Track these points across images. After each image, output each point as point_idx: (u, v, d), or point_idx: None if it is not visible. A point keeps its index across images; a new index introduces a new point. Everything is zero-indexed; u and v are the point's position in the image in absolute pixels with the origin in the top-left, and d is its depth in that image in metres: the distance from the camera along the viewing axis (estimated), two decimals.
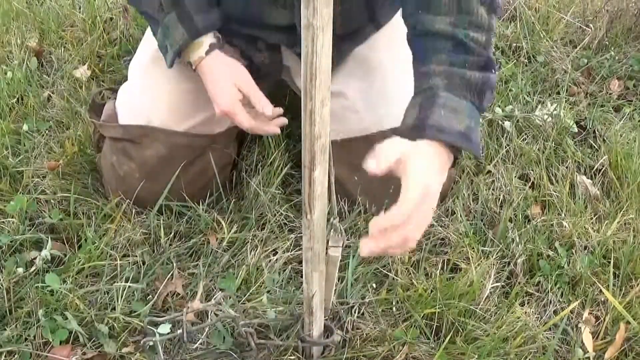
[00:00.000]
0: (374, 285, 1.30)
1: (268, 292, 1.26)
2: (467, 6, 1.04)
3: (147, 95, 1.34)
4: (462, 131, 0.97)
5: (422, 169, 0.91)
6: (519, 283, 1.34)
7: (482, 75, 1.02)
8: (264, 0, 1.24)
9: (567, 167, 1.61)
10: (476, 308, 1.26)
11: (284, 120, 1.31)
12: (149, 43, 1.38)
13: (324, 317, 1.10)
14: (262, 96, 1.24)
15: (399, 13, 1.18)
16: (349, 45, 1.35)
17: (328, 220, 0.92)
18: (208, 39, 1.25)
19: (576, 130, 1.75)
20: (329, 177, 0.85)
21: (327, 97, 0.72)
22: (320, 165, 0.78)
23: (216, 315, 1.17)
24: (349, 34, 1.33)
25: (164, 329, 1.15)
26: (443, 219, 1.45)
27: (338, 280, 1.26)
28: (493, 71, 1.04)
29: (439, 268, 1.34)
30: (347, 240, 1.37)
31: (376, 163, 0.92)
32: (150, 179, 1.34)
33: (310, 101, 0.70)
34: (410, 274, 1.32)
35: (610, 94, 1.94)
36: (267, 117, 1.26)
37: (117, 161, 1.36)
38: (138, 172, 1.34)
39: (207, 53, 1.24)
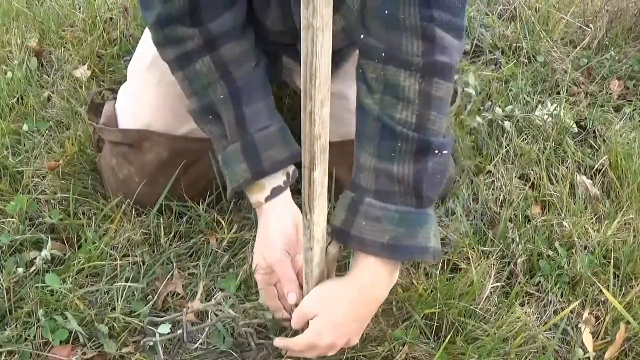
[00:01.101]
0: None
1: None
2: (394, 80, 0.92)
3: (146, 98, 1.34)
4: (385, 242, 0.93)
5: (319, 327, 1.01)
6: (519, 283, 1.34)
7: (415, 167, 0.92)
8: (261, 25, 1.22)
9: (567, 167, 1.61)
10: (476, 308, 1.26)
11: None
12: (148, 43, 1.37)
13: None
14: (289, 280, 1.05)
15: None
16: (348, 48, 1.35)
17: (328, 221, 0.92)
18: (273, 181, 1.08)
19: (576, 130, 1.75)
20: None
21: (327, 97, 0.72)
22: (320, 166, 0.78)
23: (216, 315, 1.17)
24: None
25: (164, 329, 1.15)
26: (443, 219, 1.44)
27: None
28: (436, 152, 0.92)
29: (439, 268, 1.34)
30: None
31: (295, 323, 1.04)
32: (150, 182, 1.34)
33: (310, 101, 0.70)
34: (410, 274, 1.32)
35: (610, 94, 1.94)
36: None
37: (116, 164, 1.36)
38: (137, 176, 1.34)
39: (266, 200, 1.07)
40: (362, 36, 0.95)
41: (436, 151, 0.92)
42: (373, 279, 0.97)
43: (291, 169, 1.11)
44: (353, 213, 0.95)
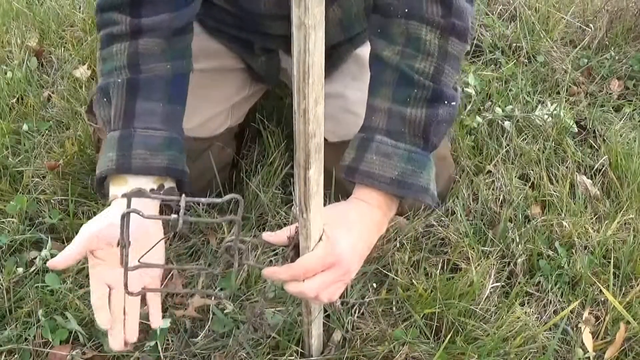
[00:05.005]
0: (374, 285, 1.30)
1: (267, 291, 1.26)
2: (416, 34, 0.98)
3: None
4: (393, 178, 0.95)
5: (341, 238, 0.91)
6: (519, 283, 1.34)
7: (427, 112, 0.97)
8: (260, 14, 1.21)
9: (567, 167, 1.61)
10: (476, 308, 1.25)
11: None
12: None
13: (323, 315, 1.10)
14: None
15: None
16: (347, 48, 1.35)
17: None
18: (137, 182, 0.98)
19: (576, 130, 1.75)
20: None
21: (321, 95, 0.72)
22: (315, 164, 0.77)
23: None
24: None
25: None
26: (443, 219, 1.44)
27: None
28: (445, 102, 0.98)
29: (439, 268, 1.34)
30: None
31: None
32: None
33: (304, 100, 0.70)
34: (410, 274, 1.32)
35: (610, 94, 1.94)
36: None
37: None
38: None
39: (123, 195, 0.93)
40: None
41: (446, 101, 0.98)
42: (374, 206, 0.97)
43: (169, 185, 1.01)
44: (363, 150, 0.97)
